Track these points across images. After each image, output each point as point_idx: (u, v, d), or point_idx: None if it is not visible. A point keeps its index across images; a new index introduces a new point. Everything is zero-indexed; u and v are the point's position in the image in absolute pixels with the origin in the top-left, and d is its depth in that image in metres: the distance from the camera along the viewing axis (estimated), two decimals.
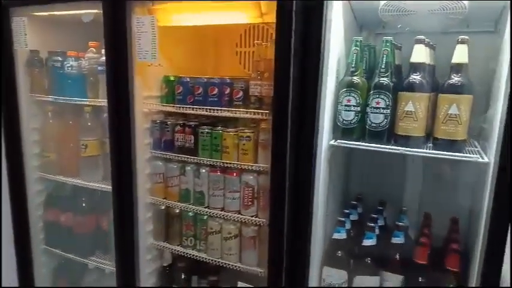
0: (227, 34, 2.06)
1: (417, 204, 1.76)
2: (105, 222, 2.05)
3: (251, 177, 1.59)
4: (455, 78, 1.25)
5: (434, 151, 1.27)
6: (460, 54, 1.25)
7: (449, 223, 1.65)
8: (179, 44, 1.89)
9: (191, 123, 1.70)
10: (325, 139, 1.41)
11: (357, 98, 1.39)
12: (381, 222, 1.64)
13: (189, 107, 1.65)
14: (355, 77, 1.40)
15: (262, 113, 1.47)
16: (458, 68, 1.26)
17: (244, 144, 1.56)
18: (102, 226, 2.07)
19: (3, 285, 2.11)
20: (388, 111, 1.34)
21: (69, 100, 1.90)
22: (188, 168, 1.73)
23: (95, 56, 1.87)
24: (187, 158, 1.69)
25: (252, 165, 1.56)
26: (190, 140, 1.68)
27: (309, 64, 1.34)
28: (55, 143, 2.09)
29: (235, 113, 1.55)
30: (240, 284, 1.58)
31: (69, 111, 2.05)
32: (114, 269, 1.90)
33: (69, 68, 1.92)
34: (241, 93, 1.56)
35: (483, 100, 1.44)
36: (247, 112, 1.53)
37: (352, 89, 1.39)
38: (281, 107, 1.36)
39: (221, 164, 1.62)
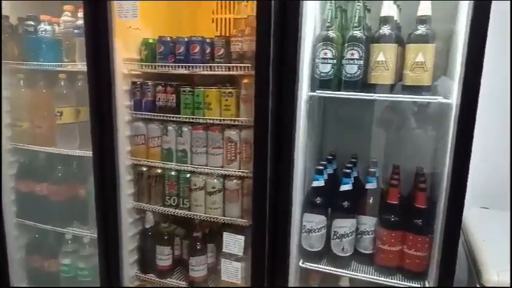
0: (203, 2, 2.15)
1: (388, 158, 1.92)
2: (82, 191, 2.09)
3: (233, 132, 1.70)
4: (421, 29, 1.42)
5: (403, 95, 1.43)
6: (425, 8, 1.42)
7: (416, 171, 1.82)
8: (156, 11, 1.96)
9: (173, 83, 1.77)
10: (304, 91, 1.55)
11: (333, 51, 1.53)
12: (354, 174, 1.80)
13: (171, 65, 1.72)
14: (330, 31, 1.54)
15: (244, 67, 1.58)
16: (423, 19, 1.43)
17: (226, 100, 1.67)
18: (79, 195, 2.11)
19: None
20: (362, 62, 1.50)
21: (44, 65, 1.92)
22: (170, 127, 1.81)
23: (70, 19, 1.90)
24: (170, 117, 1.77)
25: (234, 120, 1.66)
26: (172, 100, 1.77)
27: (288, 21, 1.46)
28: (28, 112, 2.10)
29: (217, 70, 1.64)
30: (225, 234, 1.68)
31: (42, 79, 2.07)
32: (95, 235, 1.94)
33: (43, 33, 1.95)
34: (222, 51, 1.66)
35: (443, 56, 1.62)
36: (229, 68, 1.63)
37: (328, 42, 1.53)
38: (263, 62, 1.48)
39: (204, 121, 1.71)
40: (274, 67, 1.51)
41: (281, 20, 1.49)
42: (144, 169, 1.90)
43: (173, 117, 1.78)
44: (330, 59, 1.54)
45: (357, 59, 1.50)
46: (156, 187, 1.89)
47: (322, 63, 1.55)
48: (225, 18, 2.12)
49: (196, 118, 1.73)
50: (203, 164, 1.78)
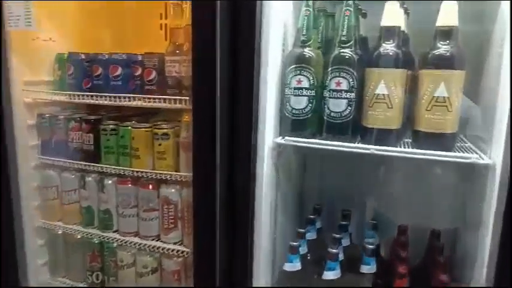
0: (148, 2, 1.64)
1: (390, 212, 1.43)
2: None
3: (172, 190, 1.21)
4: (443, 47, 0.93)
5: (417, 150, 0.94)
6: (449, 14, 0.93)
7: (429, 236, 1.33)
8: (84, 13, 1.46)
9: (91, 117, 1.28)
10: (268, 135, 1.06)
11: (311, 78, 1.04)
12: (345, 242, 1.31)
13: (84, 95, 1.23)
14: (307, 49, 1.04)
15: (181, 100, 1.08)
16: (446, 32, 0.93)
17: (160, 145, 1.17)
18: None
19: None
20: (353, 95, 1.00)
21: None
22: (89, 178, 1.32)
23: None
24: (87, 165, 1.27)
25: (172, 174, 1.16)
26: (89, 141, 1.27)
27: (242, 32, 0.97)
28: None
29: (146, 101, 1.15)
30: None
31: None
32: None
33: None
34: (154, 74, 1.17)
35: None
36: (160, 100, 1.13)
37: (304, 65, 1.04)
38: (202, 95, 0.99)
39: (131, 172, 1.21)
40: (224, 101, 1.01)
41: (232, 29, 1.00)
42: (59, 232, 1.41)
43: (90, 165, 1.28)
44: (306, 89, 1.05)
45: (346, 91, 1.01)
46: (75, 258, 1.39)
47: (294, 95, 1.06)
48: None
49: (120, 169, 1.23)
50: (133, 231, 1.28)
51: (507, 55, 0.86)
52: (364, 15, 1.18)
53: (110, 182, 1.29)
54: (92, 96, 1.23)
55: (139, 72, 1.21)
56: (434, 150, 0.95)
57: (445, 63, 0.93)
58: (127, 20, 1.65)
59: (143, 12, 1.65)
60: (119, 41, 1.61)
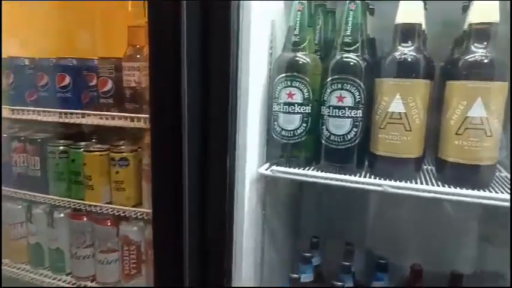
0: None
1: (399, 249, 1.21)
2: None
3: (134, 228, 0.98)
4: (479, 51, 0.69)
5: (444, 189, 0.71)
6: (487, 8, 0.70)
7: (449, 279, 1.10)
8: (42, 12, 1.22)
9: (37, 136, 1.04)
10: (251, 164, 0.82)
11: (305, 91, 0.81)
12: (349, 283, 1.08)
13: (25, 110, 0.99)
14: (300, 53, 0.81)
15: (139, 118, 0.85)
16: (483, 32, 0.70)
17: (117, 173, 0.94)
18: None
19: None
20: (359, 113, 0.78)
21: None
22: (37, 210, 1.08)
23: None
24: (33, 194, 1.04)
25: (130, 210, 0.93)
26: (35, 165, 1.03)
27: (214, 29, 0.74)
28: None
29: (103, 119, 0.92)
30: None
31: None
32: None
33: None
34: (110, 84, 0.94)
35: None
36: (120, 117, 0.90)
37: (296, 73, 0.81)
38: (165, 109, 0.76)
39: (83, 206, 0.98)
40: (192, 119, 0.78)
41: (203, 30, 0.77)
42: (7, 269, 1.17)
43: (37, 196, 1.05)
44: (299, 104, 0.82)
45: (351, 108, 0.78)
46: None
47: (284, 112, 0.83)
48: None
49: (66, 201, 1.00)
50: (88, 275, 1.05)
51: None
52: (372, 12, 0.96)
53: (61, 215, 1.06)
54: (34, 112, 0.99)
55: (94, 81, 0.98)
56: (466, 186, 0.72)
57: (483, 72, 0.70)
58: (96, 21, 1.41)
59: (113, 11, 1.42)
60: (90, 44, 1.38)
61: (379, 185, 0.74)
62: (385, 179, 0.76)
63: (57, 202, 1.02)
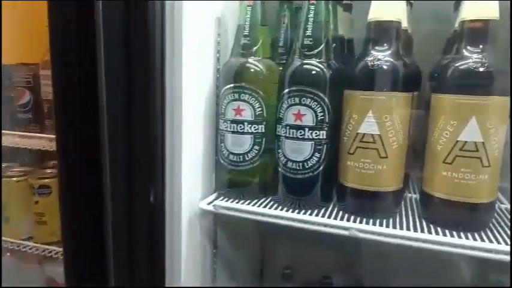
0: None
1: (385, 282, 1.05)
2: None
3: (60, 269, 0.80)
4: (473, 57, 0.54)
5: (429, 237, 0.55)
6: (482, 2, 0.54)
7: None
8: None
9: None
10: (193, 194, 0.66)
11: (256, 106, 0.65)
12: None
13: None
14: (251, 59, 0.65)
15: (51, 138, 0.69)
16: (479, 31, 0.54)
17: (37, 203, 0.77)
18: None
19: None
20: (322, 134, 0.62)
21: None
22: None
23: None
24: None
25: (54, 248, 0.77)
26: None
27: (134, 31, 0.58)
28: None
29: (14, 138, 0.75)
30: None
31: None
32: None
33: None
34: (28, 96, 0.77)
35: None
36: (40, 138, 0.74)
37: (244, 84, 0.64)
38: (77, 128, 0.60)
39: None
40: (114, 138, 0.62)
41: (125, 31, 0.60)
42: None
43: None
44: (250, 123, 0.66)
45: (312, 128, 0.62)
46: None
47: (232, 131, 0.67)
48: None
49: None
50: None
51: None
52: (348, 8, 0.80)
53: None
54: None
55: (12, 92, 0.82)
56: (456, 229, 0.56)
57: (478, 84, 0.54)
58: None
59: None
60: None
61: (346, 229, 0.57)
62: (356, 217, 0.60)
63: None
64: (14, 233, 0.81)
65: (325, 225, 0.59)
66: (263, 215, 0.62)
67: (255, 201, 0.67)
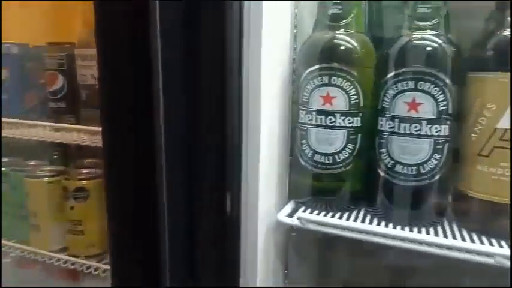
0: None
1: None
2: None
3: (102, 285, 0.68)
4: None
5: None
6: None
7: None
8: None
9: None
10: (265, 206, 0.52)
11: (352, 92, 0.51)
12: None
13: None
14: (341, 32, 0.51)
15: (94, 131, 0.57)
16: None
17: (72, 209, 0.65)
18: None
19: None
20: (445, 129, 0.47)
21: None
22: None
23: None
24: None
25: (93, 264, 0.65)
26: None
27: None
28: None
29: (46, 131, 0.63)
30: None
31: None
32: None
33: None
34: (61, 81, 0.65)
35: None
36: (59, 129, 0.62)
37: (337, 65, 0.50)
38: (126, 121, 0.47)
39: (28, 253, 0.70)
40: (171, 140, 0.49)
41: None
42: None
43: None
44: (343, 114, 0.52)
45: (431, 121, 0.47)
46: None
47: (318, 125, 0.53)
48: None
49: (11, 245, 0.72)
50: None
51: None
52: None
53: (7, 260, 0.78)
54: None
55: (42, 77, 0.69)
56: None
57: None
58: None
59: None
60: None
61: (489, 255, 0.43)
62: (489, 238, 0.46)
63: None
64: (44, 244, 0.69)
65: (451, 247, 0.45)
66: (371, 233, 0.48)
67: (346, 215, 0.53)
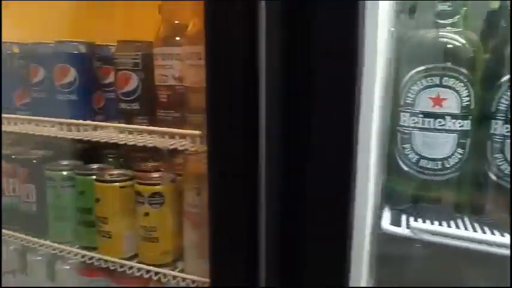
0: None
1: None
2: None
3: None
4: None
5: None
6: None
7: None
8: None
9: (33, 155, 0.75)
10: (369, 215, 0.50)
11: (464, 93, 0.48)
12: None
13: (13, 118, 0.69)
14: (449, 31, 0.48)
15: (184, 135, 0.54)
16: None
17: (147, 216, 0.62)
18: None
19: None
20: None
21: None
22: (34, 258, 0.78)
23: None
24: (25, 235, 0.74)
25: (169, 272, 0.62)
26: (30, 196, 0.73)
27: None
28: None
29: (120, 133, 0.61)
30: None
31: None
32: None
33: None
34: (135, 81, 0.62)
35: None
36: (141, 132, 0.59)
37: (450, 65, 0.47)
38: (230, 123, 0.44)
39: (97, 260, 0.68)
40: (271, 144, 0.47)
41: None
42: None
43: (32, 238, 0.74)
44: (454, 117, 0.49)
45: None
46: None
47: (425, 129, 0.50)
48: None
49: (78, 252, 0.70)
50: None
51: None
52: None
53: (66, 267, 0.76)
54: (23, 121, 0.69)
55: (111, 76, 0.67)
56: None
57: None
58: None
59: None
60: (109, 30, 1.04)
61: None
62: None
63: (58, 251, 0.71)
64: (114, 251, 0.67)
65: None
66: (498, 245, 0.45)
67: (452, 222, 0.50)
